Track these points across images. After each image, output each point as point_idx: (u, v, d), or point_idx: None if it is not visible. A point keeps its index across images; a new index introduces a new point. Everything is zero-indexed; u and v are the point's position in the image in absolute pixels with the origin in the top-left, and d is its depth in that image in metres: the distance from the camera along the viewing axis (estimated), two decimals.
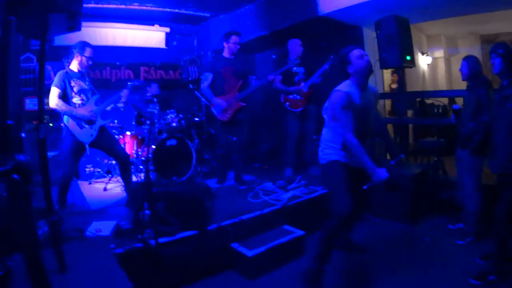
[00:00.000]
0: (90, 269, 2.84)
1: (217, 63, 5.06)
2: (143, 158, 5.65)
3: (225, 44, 5.00)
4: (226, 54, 5.02)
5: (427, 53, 9.04)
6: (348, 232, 3.74)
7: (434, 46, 9.30)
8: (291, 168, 5.56)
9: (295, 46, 5.46)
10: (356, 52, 3.04)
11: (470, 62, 3.76)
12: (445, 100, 6.88)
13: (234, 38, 4.94)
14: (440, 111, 7.03)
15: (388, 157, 5.43)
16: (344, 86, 3.03)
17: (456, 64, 9.71)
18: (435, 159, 4.95)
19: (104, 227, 3.46)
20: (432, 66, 9.46)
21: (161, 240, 2.99)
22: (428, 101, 7.74)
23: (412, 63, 5.13)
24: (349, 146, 2.93)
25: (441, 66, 9.72)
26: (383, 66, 5.16)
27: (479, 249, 3.62)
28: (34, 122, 4.02)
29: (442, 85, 9.52)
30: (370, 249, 3.80)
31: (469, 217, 3.90)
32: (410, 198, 4.49)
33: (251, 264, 3.36)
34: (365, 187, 3.06)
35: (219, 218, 3.68)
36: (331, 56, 5.15)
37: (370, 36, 6.10)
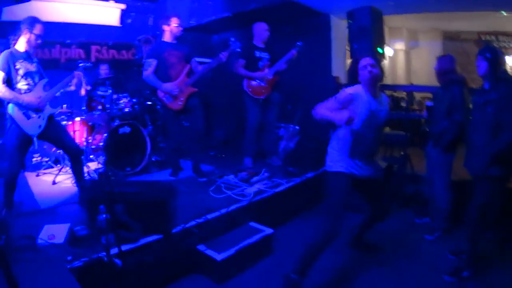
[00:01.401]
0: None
1: (159, 48, 4.56)
2: (93, 147, 5.21)
3: (166, 27, 4.53)
4: (167, 38, 4.55)
5: (388, 45, 9.06)
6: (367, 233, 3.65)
7: (395, 38, 9.32)
8: (250, 157, 5.33)
9: (261, 30, 5.16)
10: (362, 62, 2.95)
11: (446, 60, 3.77)
12: (403, 93, 6.94)
13: (174, 20, 4.50)
14: (404, 104, 7.04)
15: None
16: (353, 88, 2.95)
17: (416, 58, 9.96)
18: (402, 153, 4.89)
19: (57, 232, 3.04)
20: (392, 59, 9.50)
21: (123, 247, 2.66)
22: (387, 93, 7.77)
23: (383, 55, 5.04)
24: (316, 113, 2.92)
25: (401, 58, 9.80)
26: (353, 57, 4.98)
27: (448, 244, 3.68)
28: None
29: (401, 77, 9.61)
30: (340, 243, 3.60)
31: (438, 213, 3.94)
32: None
33: (220, 268, 3.13)
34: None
35: (182, 218, 3.38)
36: (298, 43, 4.93)
37: (337, 24, 5.97)
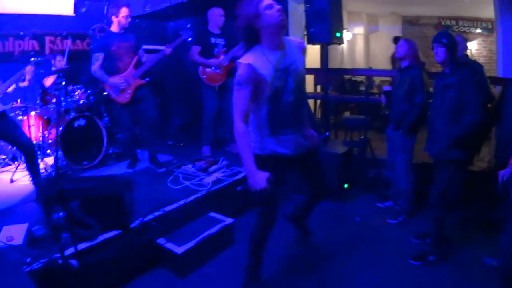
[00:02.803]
0: None
1: (106, 41, 4.40)
2: (50, 141, 5.06)
3: (114, 18, 4.35)
4: (115, 29, 4.39)
5: (347, 29, 9.11)
6: (307, 216, 3.42)
7: (354, 22, 9.38)
8: (208, 146, 5.29)
9: (216, 16, 5.06)
10: (264, 1, 2.37)
11: (409, 43, 3.76)
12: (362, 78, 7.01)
13: (124, 11, 4.32)
14: (363, 88, 7.14)
15: None
16: (247, 55, 2.42)
17: (375, 42, 10.06)
18: (361, 137, 4.97)
19: (16, 233, 2.95)
20: (351, 43, 9.57)
21: (80, 246, 2.61)
22: (347, 77, 7.88)
23: (341, 40, 5.05)
24: (235, 134, 2.35)
25: (360, 43, 9.87)
26: (311, 41, 4.98)
27: (412, 228, 3.73)
28: None
29: (360, 62, 9.70)
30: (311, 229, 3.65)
31: (400, 196, 4.00)
32: (337, 177, 4.48)
33: (181, 261, 3.09)
34: (239, 188, 2.76)
35: (140, 211, 3.33)
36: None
37: (295, 8, 5.91)
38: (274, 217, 2.72)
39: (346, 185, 4.62)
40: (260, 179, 2.25)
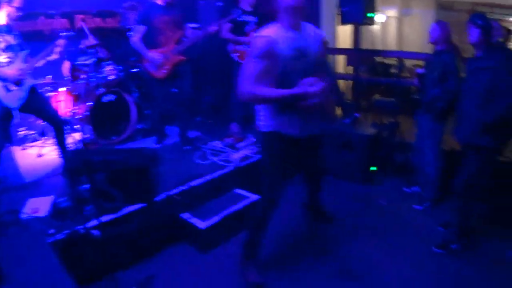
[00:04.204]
0: (30, 265, 2.43)
1: (149, 13, 4.37)
2: (79, 117, 5.12)
3: None
4: (159, 1, 4.36)
5: (380, 10, 8.86)
6: (317, 202, 3.38)
7: (388, 5, 9.11)
8: (237, 123, 5.22)
9: None
10: None
11: (441, 26, 3.61)
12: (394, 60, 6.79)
13: None
14: (395, 71, 6.94)
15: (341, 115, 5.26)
16: (267, 29, 2.46)
17: (408, 26, 9.78)
18: (392, 120, 4.84)
19: (41, 205, 3.01)
20: (384, 25, 9.31)
21: (104, 218, 2.62)
22: (378, 60, 7.67)
23: (372, 20, 4.91)
24: (248, 98, 2.45)
25: (393, 26, 9.59)
26: (344, 21, 4.90)
27: (437, 215, 3.66)
28: None
29: (392, 45, 9.43)
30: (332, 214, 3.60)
31: (427, 183, 3.90)
32: (364, 159, 4.45)
33: (205, 236, 3.11)
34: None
35: (166, 186, 3.35)
36: None
37: None
38: (277, 197, 2.69)
39: (373, 168, 4.52)
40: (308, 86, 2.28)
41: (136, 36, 4.34)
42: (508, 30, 4.13)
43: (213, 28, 4.39)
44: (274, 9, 2.43)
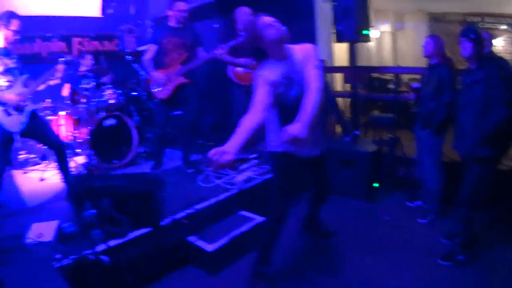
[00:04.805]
0: None
1: (159, 33, 4.45)
2: (80, 141, 5.12)
3: (170, 12, 4.40)
4: (171, 23, 4.42)
5: (374, 26, 8.96)
6: (316, 219, 3.49)
7: (381, 20, 9.23)
8: None
9: (244, 15, 5.01)
10: (262, 21, 2.61)
11: (435, 40, 3.68)
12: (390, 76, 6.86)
13: (178, 5, 4.33)
14: (392, 86, 7.00)
15: (341, 133, 5.29)
16: (261, 69, 2.67)
17: (402, 39, 9.90)
18: (391, 135, 4.87)
19: (45, 230, 2.97)
20: (379, 41, 9.43)
21: (111, 243, 2.60)
22: (374, 75, 7.75)
23: (368, 37, 4.97)
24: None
25: (387, 40, 9.72)
26: (339, 39, 4.95)
27: (441, 228, 3.64)
28: None
29: (388, 60, 9.54)
30: (334, 230, 3.63)
31: (429, 196, 3.92)
32: (367, 175, 4.44)
33: (213, 259, 3.08)
34: None
35: (172, 209, 3.34)
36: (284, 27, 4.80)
37: (322, 7, 5.86)
38: (284, 214, 2.77)
39: (375, 184, 4.52)
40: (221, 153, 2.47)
41: (146, 55, 4.41)
42: None
43: (220, 51, 4.37)
44: (262, 44, 2.61)
